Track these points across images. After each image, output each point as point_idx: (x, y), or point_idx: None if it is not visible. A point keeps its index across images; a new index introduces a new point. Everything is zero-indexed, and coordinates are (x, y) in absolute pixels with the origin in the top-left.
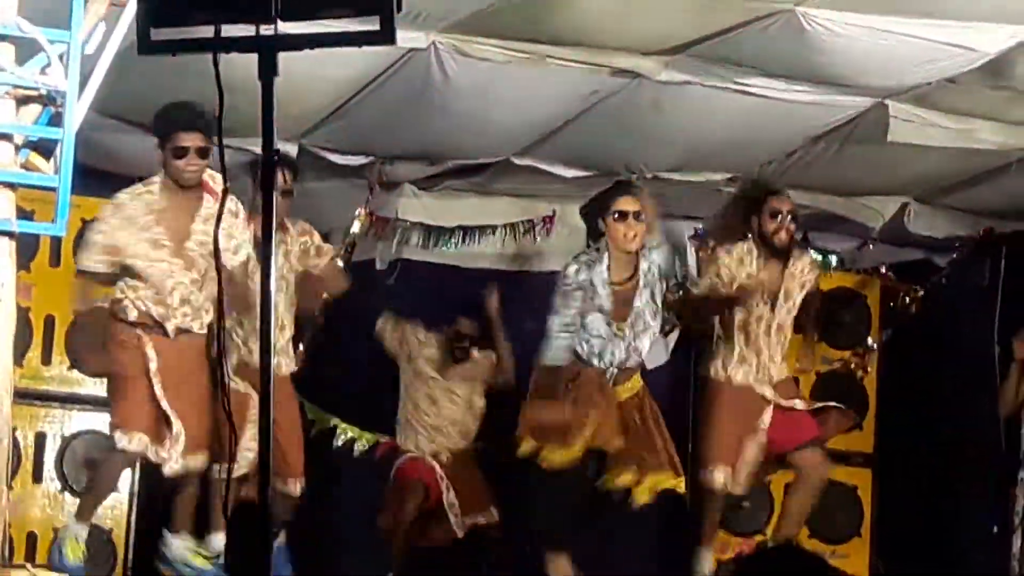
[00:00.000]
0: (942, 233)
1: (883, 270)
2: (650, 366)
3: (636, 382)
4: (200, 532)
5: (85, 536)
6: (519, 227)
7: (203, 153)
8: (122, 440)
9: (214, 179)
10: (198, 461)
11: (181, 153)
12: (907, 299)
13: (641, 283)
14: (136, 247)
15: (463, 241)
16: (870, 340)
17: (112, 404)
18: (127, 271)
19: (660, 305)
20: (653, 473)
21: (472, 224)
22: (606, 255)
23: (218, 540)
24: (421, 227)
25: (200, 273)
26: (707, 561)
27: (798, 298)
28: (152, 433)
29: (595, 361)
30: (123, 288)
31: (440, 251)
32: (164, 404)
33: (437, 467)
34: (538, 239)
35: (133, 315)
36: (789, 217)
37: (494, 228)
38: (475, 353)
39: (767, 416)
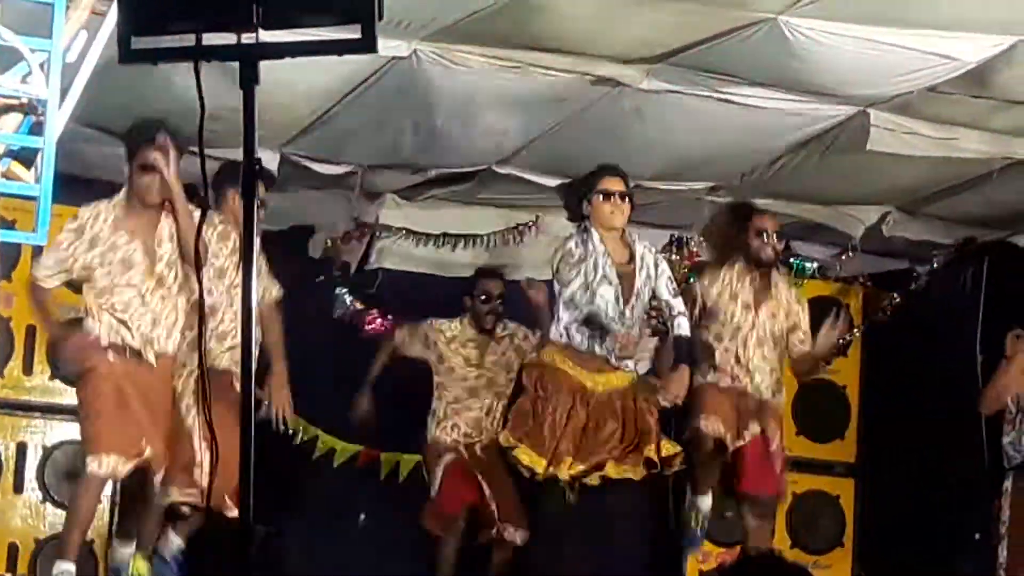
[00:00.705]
0: (923, 240)
1: (861, 279)
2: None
3: (627, 376)
4: None
5: None
6: (504, 235)
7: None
8: (93, 464)
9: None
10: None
11: (148, 170)
12: (883, 305)
13: (639, 268)
14: (101, 268)
15: (444, 246)
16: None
17: (83, 427)
18: (95, 293)
19: (649, 305)
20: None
21: (456, 232)
22: (596, 234)
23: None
24: (403, 231)
25: (168, 293)
26: (705, 505)
27: (784, 322)
28: (126, 453)
29: (596, 347)
30: (92, 312)
31: (421, 253)
32: (144, 426)
33: (476, 471)
34: (523, 241)
35: (104, 340)
36: (775, 235)
37: (479, 237)
38: (511, 326)
39: (754, 428)
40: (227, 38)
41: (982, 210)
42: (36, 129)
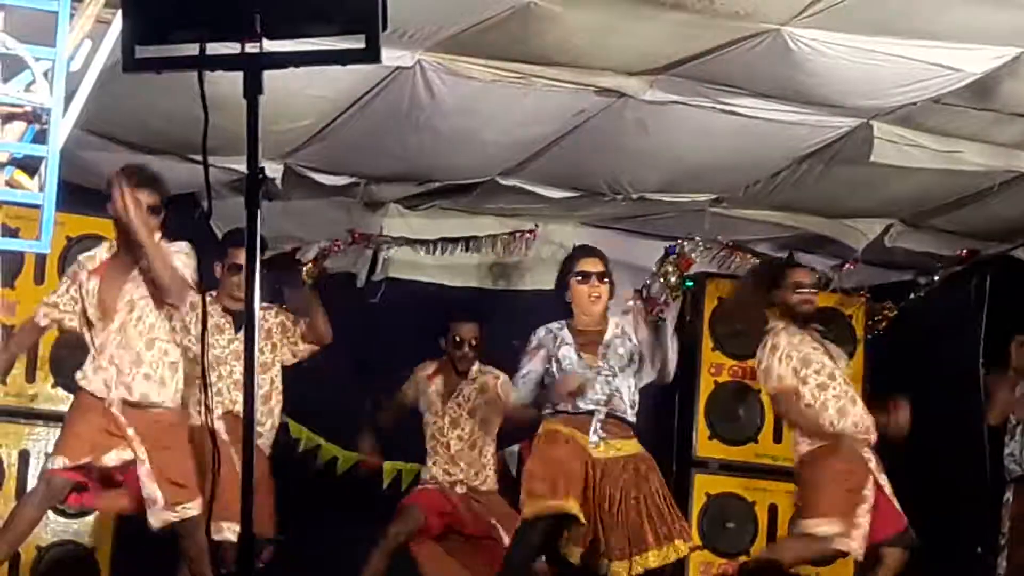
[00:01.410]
0: (925, 252)
1: (863, 291)
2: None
3: (634, 445)
4: None
5: None
6: (502, 239)
7: (155, 210)
8: (57, 462)
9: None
10: (191, 511)
11: (117, 217)
12: (878, 316)
13: (609, 325)
14: (89, 314)
15: (444, 252)
16: None
17: (62, 434)
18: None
19: (635, 352)
20: (640, 552)
21: (455, 236)
22: (570, 323)
23: None
24: (401, 240)
25: (154, 342)
26: None
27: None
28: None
29: (580, 404)
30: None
31: (422, 260)
32: (143, 472)
33: (454, 498)
34: (522, 251)
35: (100, 390)
36: (812, 288)
37: (477, 240)
38: (477, 368)
39: (870, 488)
40: (231, 47)
41: (985, 223)
42: (40, 137)
